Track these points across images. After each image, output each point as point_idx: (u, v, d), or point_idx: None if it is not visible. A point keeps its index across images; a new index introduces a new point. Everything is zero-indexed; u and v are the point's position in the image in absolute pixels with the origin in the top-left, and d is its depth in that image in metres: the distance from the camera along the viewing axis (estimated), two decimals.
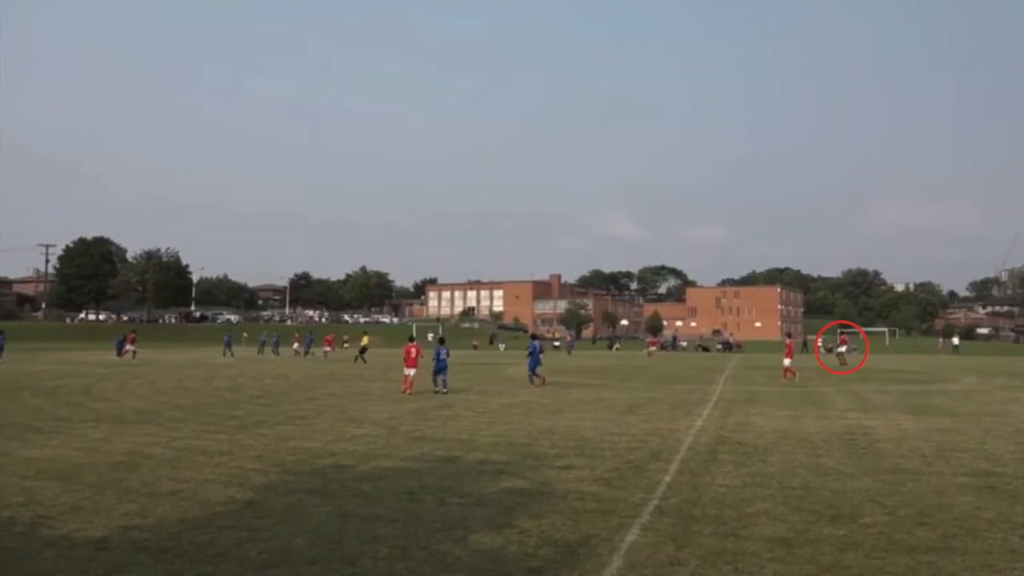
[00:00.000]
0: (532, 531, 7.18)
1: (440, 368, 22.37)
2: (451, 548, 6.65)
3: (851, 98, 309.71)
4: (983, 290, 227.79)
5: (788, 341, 31.07)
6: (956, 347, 68.03)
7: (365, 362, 40.65)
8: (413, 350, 22.45)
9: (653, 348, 69.75)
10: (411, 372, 22.04)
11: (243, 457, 11.18)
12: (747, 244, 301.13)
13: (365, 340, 45.30)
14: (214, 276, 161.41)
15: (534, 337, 29.70)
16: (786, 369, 28.56)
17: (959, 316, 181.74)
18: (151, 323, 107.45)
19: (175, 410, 17.43)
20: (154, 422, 15.24)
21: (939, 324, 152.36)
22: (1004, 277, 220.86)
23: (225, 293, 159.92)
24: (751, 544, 6.81)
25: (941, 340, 79.57)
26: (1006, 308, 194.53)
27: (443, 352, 22.70)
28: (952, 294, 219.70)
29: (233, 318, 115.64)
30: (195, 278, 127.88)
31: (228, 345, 47.72)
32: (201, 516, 7.72)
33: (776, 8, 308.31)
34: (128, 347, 42.15)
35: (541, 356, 26.61)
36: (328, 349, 46.09)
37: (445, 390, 21.89)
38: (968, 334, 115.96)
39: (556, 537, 7.00)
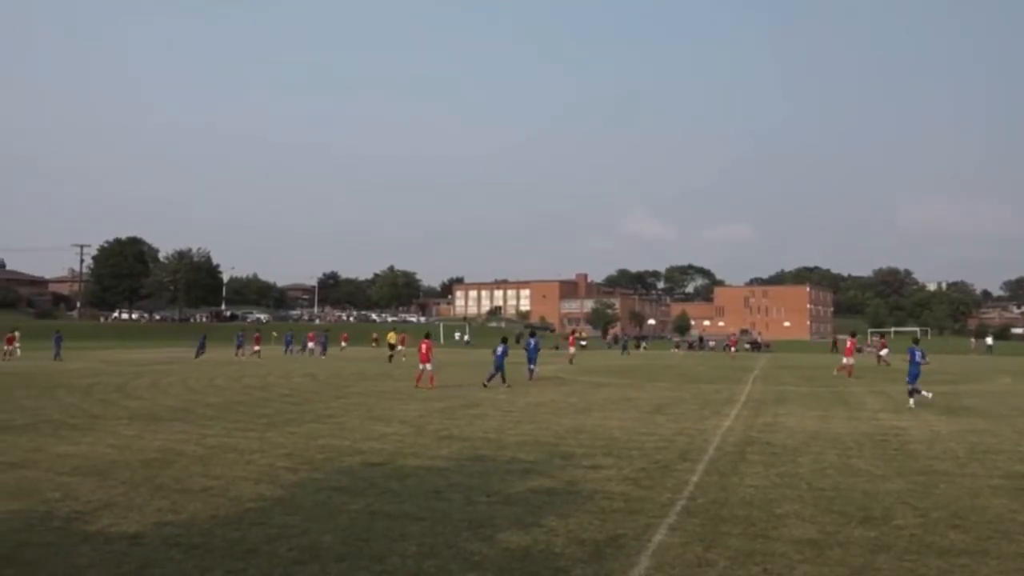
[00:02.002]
0: (559, 530, 7.19)
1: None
2: (478, 547, 6.67)
3: (881, 95, 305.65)
4: (1018, 289, 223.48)
5: (849, 341, 32.10)
6: (990, 347, 66.93)
7: (390, 361, 40.11)
8: (424, 346, 23.55)
9: (733, 349, 64.15)
10: (426, 367, 23.26)
11: (273, 455, 11.31)
12: (775, 243, 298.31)
13: (392, 337, 43.98)
14: (244, 276, 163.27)
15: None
16: (843, 367, 30.11)
17: (993, 316, 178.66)
18: (182, 322, 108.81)
19: (206, 408, 17.67)
20: (186, 420, 15.46)
21: (972, 324, 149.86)
22: None
23: (255, 292, 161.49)
24: (780, 545, 6.76)
25: (974, 340, 78.26)
26: None
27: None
28: (986, 293, 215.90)
29: (263, 317, 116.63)
30: (225, 278, 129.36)
31: (239, 345, 46.69)
32: (232, 513, 7.82)
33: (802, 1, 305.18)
34: (255, 347, 44.99)
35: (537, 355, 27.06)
36: (344, 344, 47.73)
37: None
38: (1002, 334, 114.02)
39: (583, 536, 6.99)
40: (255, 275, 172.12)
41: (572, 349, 44.90)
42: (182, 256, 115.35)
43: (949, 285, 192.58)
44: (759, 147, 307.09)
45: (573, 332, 58.79)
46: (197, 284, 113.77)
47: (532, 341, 27.50)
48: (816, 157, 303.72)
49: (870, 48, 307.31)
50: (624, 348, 64.40)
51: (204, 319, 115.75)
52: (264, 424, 14.88)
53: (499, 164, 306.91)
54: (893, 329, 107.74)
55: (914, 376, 19.12)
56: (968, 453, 11.80)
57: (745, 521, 7.57)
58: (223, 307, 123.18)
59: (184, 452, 11.49)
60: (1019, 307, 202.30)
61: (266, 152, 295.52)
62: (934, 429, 14.61)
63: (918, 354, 19.51)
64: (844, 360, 30.59)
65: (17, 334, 43.87)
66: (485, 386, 23.39)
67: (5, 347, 42.11)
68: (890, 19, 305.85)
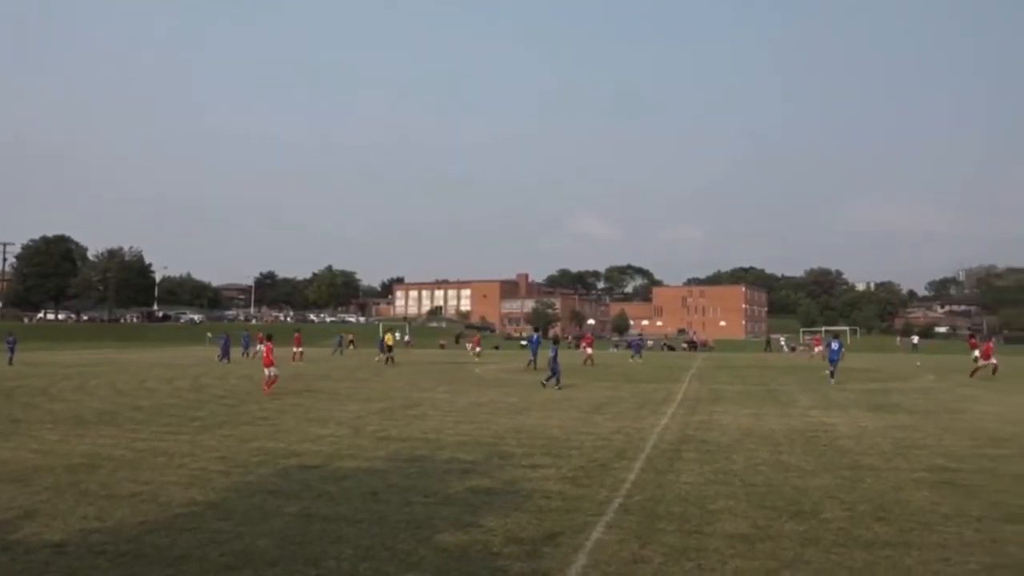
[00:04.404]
0: (497, 530, 7.19)
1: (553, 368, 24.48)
2: (416, 547, 6.63)
3: (815, 101, 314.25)
4: (941, 290, 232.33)
5: (987, 344, 32.45)
6: (915, 346, 69.44)
7: (393, 363, 38.62)
8: (267, 349, 22.17)
9: (818, 349, 52.72)
10: (269, 371, 21.64)
11: (205, 458, 11.05)
12: (713, 244, 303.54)
13: (389, 339, 40.90)
14: (177, 275, 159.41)
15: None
16: (978, 367, 30.27)
17: (918, 315, 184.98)
18: (112, 323, 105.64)
19: (136, 411, 17.17)
20: (114, 423, 14.99)
21: (899, 323, 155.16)
22: (961, 277, 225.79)
23: (189, 292, 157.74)
24: (714, 541, 6.88)
25: (900, 339, 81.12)
26: (963, 307, 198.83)
27: (553, 351, 24.83)
28: (911, 293, 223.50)
29: (197, 318, 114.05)
30: (158, 277, 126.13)
31: (226, 350, 41.35)
32: (162, 519, 7.61)
33: (745, 6, 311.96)
34: (296, 348, 41.88)
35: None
36: (298, 349, 43.79)
37: (545, 384, 23.89)
38: (927, 333, 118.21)
39: (521, 535, 7.01)
40: (189, 274, 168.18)
41: (589, 349, 42.93)
42: (112, 255, 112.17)
43: (877, 285, 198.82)
44: (699, 149, 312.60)
45: (589, 332, 58.85)
46: (128, 284, 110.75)
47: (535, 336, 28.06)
48: (752, 160, 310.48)
49: (803, 54, 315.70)
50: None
51: (135, 320, 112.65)
52: (196, 427, 14.53)
53: (440, 163, 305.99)
54: (824, 328, 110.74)
55: (832, 361, 27.21)
56: (893, 448, 12.22)
57: (680, 517, 7.70)
58: (155, 307, 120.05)
59: (111, 457, 11.13)
60: (942, 307, 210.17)
61: (202, 146, 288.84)
62: (861, 425, 15.08)
63: (835, 344, 27.98)
64: (987, 360, 30.05)
65: None
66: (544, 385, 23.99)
67: None
68: (818, 26, 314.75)
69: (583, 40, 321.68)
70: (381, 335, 44.87)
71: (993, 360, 29.54)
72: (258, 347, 43.62)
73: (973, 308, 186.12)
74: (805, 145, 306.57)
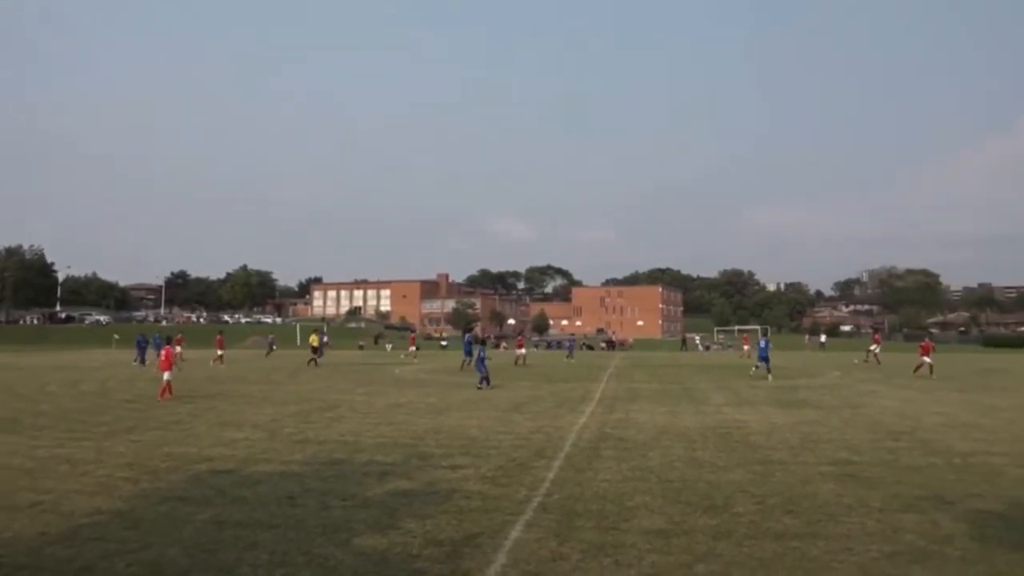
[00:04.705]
0: (416, 532, 7.15)
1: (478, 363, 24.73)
2: (333, 552, 6.54)
3: (729, 107, 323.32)
4: (846, 290, 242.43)
5: (923, 344, 32.07)
6: (823, 344, 72.17)
7: (310, 364, 37.82)
8: (164, 353, 21.17)
9: (747, 347, 52.86)
10: (164, 375, 20.61)
11: (111, 465, 10.62)
12: (631, 245, 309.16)
13: (314, 339, 40.94)
14: (82, 275, 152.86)
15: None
16: (920, 365, 29.85)
17: (825, 314, 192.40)
18: (10, 324, 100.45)
19: (36, 416, 16.38)
20: (12, 430, 14.25)
21: (806, 322, 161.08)
22: (865, 278, 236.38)
23: (95, 293, 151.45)
24: (630, 536, 7.01)
25: (808, 337, 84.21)
26: (866, 307, 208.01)
27: (480, 351, 25.37)
28: (819, 293, 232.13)
29: (103, 319, 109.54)
30: (61, 277, 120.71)
31: (142, 348, 39.69)
32: (64, 529, 7.28)
33: (642, 8, 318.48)
34: (218, 351, 39.62)
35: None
36: (220, 352, 41.91)
37: (480, 387, 23.61)
38: (832, 331, 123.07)
39: (441, 537, 6.99)
40: (95, 274, 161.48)
41: (522, 350, 42.35)
42: (11, 253, 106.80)
43: (787, 286, 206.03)
44: (617, 151, 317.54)
45: (521, 334, 59.00)
46: (28, 283, 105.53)
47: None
48: (669, 162, 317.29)
49: (718, 56, 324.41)
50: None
51: (36, 321, 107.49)
52: (102, 432, 13.95)
53: (358, 161, 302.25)
54: (737, 328, 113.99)
55: (763, 358, 29.67)
56: (801, 442, 12.68)
57: (598, 515, 7.81)
58: (58, 308, 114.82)
59: (9, 465, 10.59)
60: (847, 306, 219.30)
61: (107, 142, 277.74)
62: (772, 421, 15.60)
63: (763, 341, 31.20)
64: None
65: None
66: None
67: None
68: (727, 28, 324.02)
69: (503, 40, 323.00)
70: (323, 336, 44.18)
71: (927, 359, 30.59)
72: (177, 349, 42.38)
73: (875, 307, 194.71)
74: (718, 149, 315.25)
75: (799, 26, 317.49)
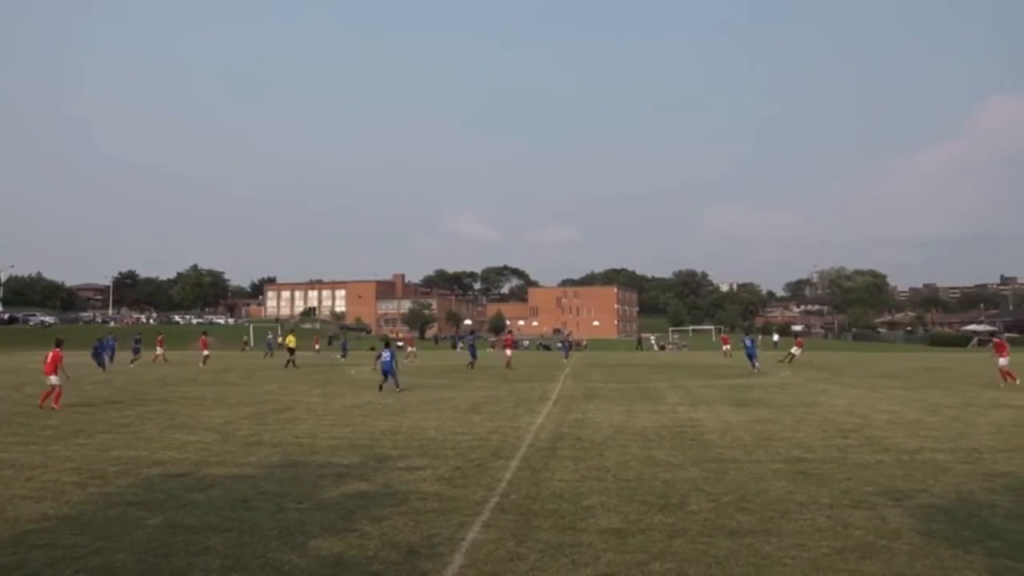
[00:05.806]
0: (373, 534, 7.10)
1: (387, 368, 23.18)
2: (288, 556, 6.46)
3: (683, 110, 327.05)
4: (797, 290, 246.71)
5: (997, 340, 28.45)
6: (776, 343, 73.33)
7: (286, 367, 37.00)
8: (51, 356, 18.86)
9: (726, 347, 53.52)
10: (50, 379, 18.54)
11: (58, 469, 10.35)
12: (586, 246, 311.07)
13: (291, 340, 39.79)
14: (26, 275, 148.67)
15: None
16: (1004, 372, 25.53)
17: (776, 314, 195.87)
18: None
19: None
20: None
21: (759, 322, 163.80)
22: (815, 279, 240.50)
23: (39, 293, 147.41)
24: (587, 536, 7.05)
25: (761, 336, 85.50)
26: (816, 307, 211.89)
27: (388, 353, 23.60)
28: (771, 294, 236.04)
29: (49, 319, 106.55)
30: (3, 276, 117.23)
31: (99, 353, 36.04)
32: (9, 536, 7.08)
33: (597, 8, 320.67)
34: (204, 351, 39.07)
35: None
36: (160, 351, 41.57)
37: (398, 389, 22.89)
38: (784, 331, 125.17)
39: (397, 539, 6.95)
40: (39, 274, 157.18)
41: (509, 351, 40.47)
42: None
43: (739, 286, 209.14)
44: (571, 152, 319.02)
45: (508, 334, 58.80)
46: None
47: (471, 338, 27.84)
48: (623, 165, 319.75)
49: (673, 59, 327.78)
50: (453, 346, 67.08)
51: None
52: (48, 436, 13.59)
53: (314, 160, 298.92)
54: (692, 328, 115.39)
55: (751, 355, 33.89)
56: (754, 441, 12.87)
57: (555, 514, 7.83)
58: (0, 308, 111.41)
59: None
60: (798, 306, 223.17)
61: (52, 139, 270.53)
62: (726, 420, 15.81)
63: (748, 340, 35.48)
64: (1001, 362, 25.48)
65: None
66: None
67: None
68: (683, 30, 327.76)
69: (465, 40, 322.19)
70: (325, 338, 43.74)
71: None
72: (159, 350, 41.70)
73: (825, 307, 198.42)
74: (672, 152, 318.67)
75: (750, 33, 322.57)
